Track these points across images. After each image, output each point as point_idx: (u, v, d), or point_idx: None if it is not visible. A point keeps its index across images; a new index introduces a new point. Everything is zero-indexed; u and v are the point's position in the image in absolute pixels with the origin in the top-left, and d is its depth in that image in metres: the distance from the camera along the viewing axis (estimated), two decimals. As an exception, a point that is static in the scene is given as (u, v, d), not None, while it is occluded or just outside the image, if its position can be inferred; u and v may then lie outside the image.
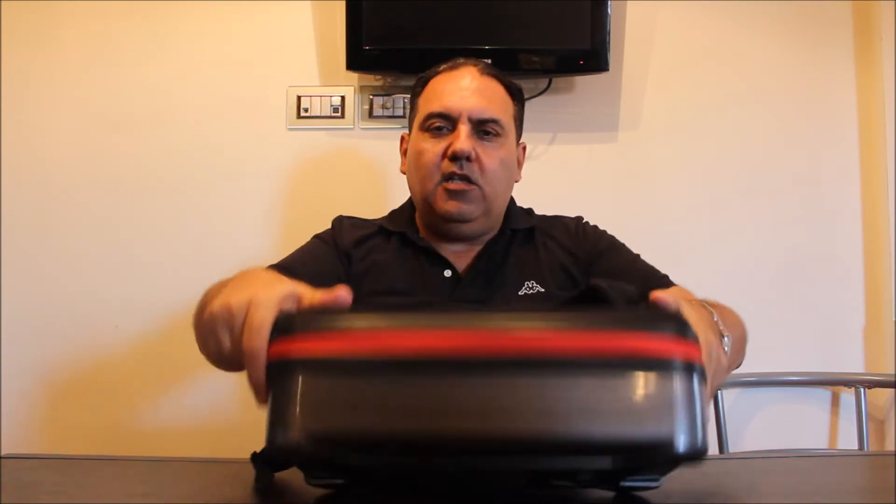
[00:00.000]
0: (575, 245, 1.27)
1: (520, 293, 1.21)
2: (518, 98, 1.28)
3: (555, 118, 1.81)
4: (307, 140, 1.82)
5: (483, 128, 1.20)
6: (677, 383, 0.57)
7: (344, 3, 1.71)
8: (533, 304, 1.20)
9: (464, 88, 1.21)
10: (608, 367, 0.58)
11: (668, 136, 1.82)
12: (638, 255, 1.30)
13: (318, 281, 0.87)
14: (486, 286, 1.22)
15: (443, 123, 1.20)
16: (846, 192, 1.82)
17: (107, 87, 1.83)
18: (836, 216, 1.82)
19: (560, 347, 0.58)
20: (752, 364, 1.76)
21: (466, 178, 1.18)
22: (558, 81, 1.78)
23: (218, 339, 0.68)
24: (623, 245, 1.31)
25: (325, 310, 0.64)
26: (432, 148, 1.20)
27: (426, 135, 1.22)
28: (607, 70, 1.71)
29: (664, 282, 1.23)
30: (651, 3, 1.82)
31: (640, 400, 0.57)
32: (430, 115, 1.21)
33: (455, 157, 1.17)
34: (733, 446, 1.73)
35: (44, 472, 0.88)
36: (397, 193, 1.72)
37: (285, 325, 0.62)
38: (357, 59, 1.71)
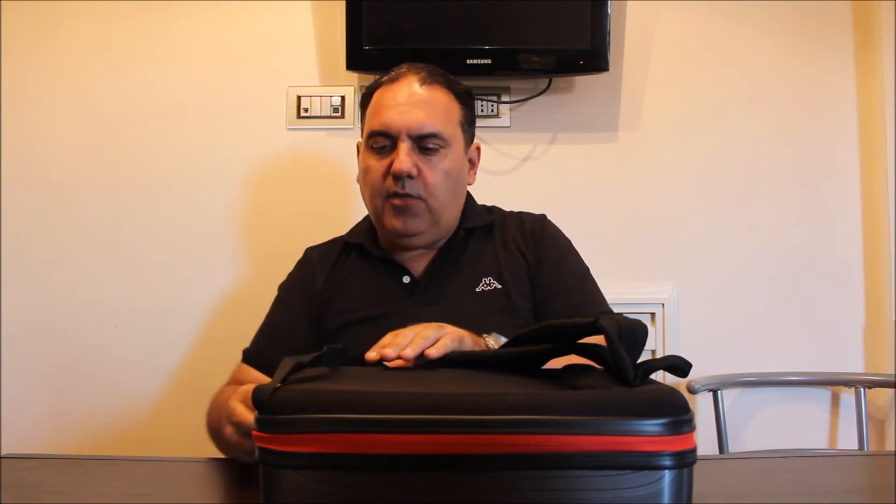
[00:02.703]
0: (525, 247, 1.27)
1: (477, 290, 1.23)
2: (465, 101, 1.28)
3: (555, 118, 1.81)
4: (307, 140, 1.82)
5: (423, 143, 1.20)
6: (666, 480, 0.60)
7: (344, 3, 1.71)
8: (490, 302, 1.22)
9: (402, 103, 1.20)
10: (594, 464, 0.60)
11: (668, 136, 1.82)
12: (586, 273, 1.29)
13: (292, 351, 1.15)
14: (442, 287, 1.24)
15: (384, 142, 1.21)
16: (846, 193, 1.82)
17: (107, 88, 1.83)
18: (836, 216, 1.81)
19: (546, 446, 0.60)
20: (752, 364, 1.77)
21: (410, 194, 1.20)
22: (558, 81, 1.78)
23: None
24: (574, 261, 1.29)
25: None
26: (376, 165, 1.21)
27: (371, 153, 1.23)
28: (607, 70, 1.71)
29: (596, 313, 1.12)
30: (651, 3, 1.82)
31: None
32: (372, 134, 1.22)
33: (396, 177, 1.19)
34: (733, 446, 1.73)
35: (44, 472, 0.88)
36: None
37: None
38: (357, 59, 1.71)
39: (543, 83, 1.77)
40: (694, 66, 1.83)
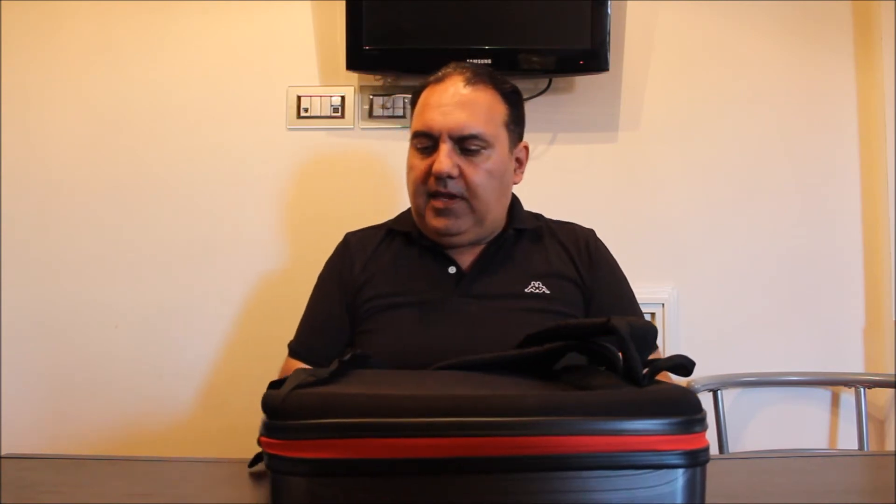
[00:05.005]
0: (578, 258, 1.29)
1: (526, 290, 1.23)
2: (512, 100, 1.28)
3: (555, 118, 1.81)
4: (307, 140, 1.82)
5: (464, 145, 1.21)
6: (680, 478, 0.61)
7: (344, 3, 1.71)
8: (536, 304, 1.22)
9: (445, 104, 1.22)
10: (611, 464, 0.60)
11: (668, 136, 1.82)
12: (633, 297, 1.32)
13: (336, 340, 1.26)
14: (489, 283, 1.24)
15: (427, 142, 1.23)
16: (846, 192, 1.81)
17: (107, 88, 1.83)
18: (836, 216, 1.81)
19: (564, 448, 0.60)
20: (752, 364, 1.77)
21: (451, 194, 1.21)
22: (558, 81, 1.78)
23: None
24: (625, 286, 1.33)
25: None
26: (419, 165, 1.24)
27: (415, 152, 1.25)
28: (607, 70, 1.71)
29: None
30: (651, 3, 1.81)
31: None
32: (415, 134, 1.25)
33: (438, 177, 1.20)
34: (733, 446, 1.73)
35: (44, 472, 0.88)
36: (397, 193, 1.72)
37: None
38: (357, 59, 1.71)
39: (543, 83, 1.77)
40: (694, 66, 1.82)
